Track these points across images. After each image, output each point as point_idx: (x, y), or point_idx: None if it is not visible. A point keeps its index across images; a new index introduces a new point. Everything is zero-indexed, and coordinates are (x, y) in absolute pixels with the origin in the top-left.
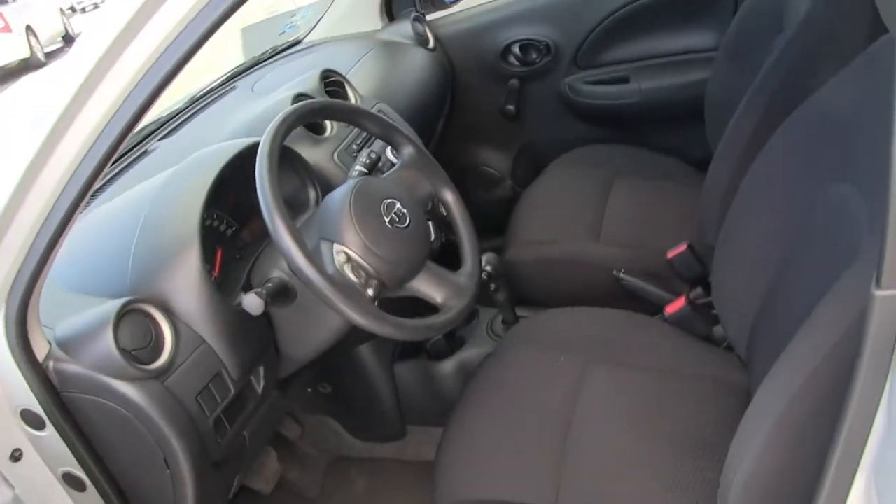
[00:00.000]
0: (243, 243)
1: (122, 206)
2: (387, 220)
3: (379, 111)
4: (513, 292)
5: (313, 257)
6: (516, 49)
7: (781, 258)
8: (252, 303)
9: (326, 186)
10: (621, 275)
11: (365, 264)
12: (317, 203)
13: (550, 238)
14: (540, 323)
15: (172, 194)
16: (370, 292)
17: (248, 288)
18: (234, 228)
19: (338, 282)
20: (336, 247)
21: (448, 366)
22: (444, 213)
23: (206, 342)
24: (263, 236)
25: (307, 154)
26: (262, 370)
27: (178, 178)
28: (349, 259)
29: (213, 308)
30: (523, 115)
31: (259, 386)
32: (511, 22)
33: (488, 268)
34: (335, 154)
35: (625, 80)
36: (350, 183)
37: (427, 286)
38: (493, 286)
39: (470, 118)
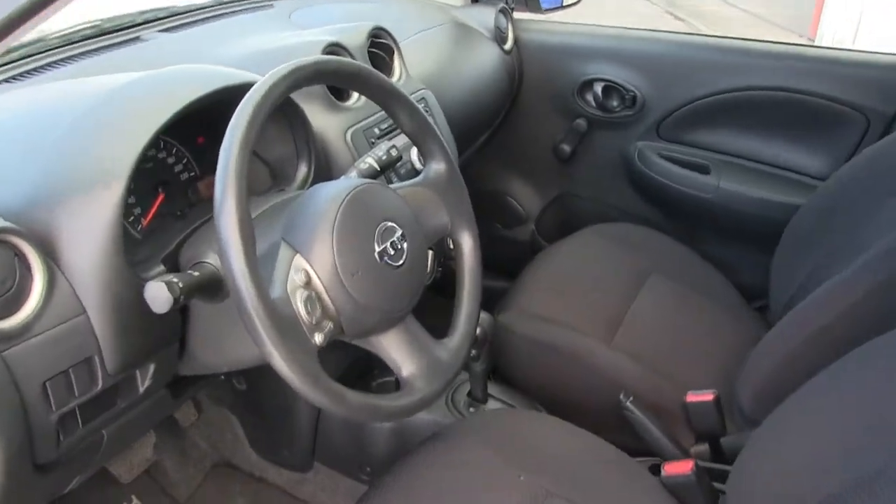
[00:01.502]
0: (196, 198)
1: (61, 96)
2: (378, 248)
3: (421, 100)
4: (491, 362)
5: (255, 263)
6: (598, 88)
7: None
8: (156, 295)
9: (323, 169)
10: (628, 403)
11: (327, 298)
12: (304, 185)
13: (558, 318)
14: (510, 425)
15: (124, 105)
16: (317, 338)
17: (170, 263)
18: (191, 175)
19: (279, 311)
20: (298, 260)
21: None
22: (451, 256)
23: (87, 314)
24: None
25: (317, 119)
26: (152, 367)
27: (142, 86)
28: (308, 283)
29: (114, 272)
30: (575, 162)
31: (142, 385)
32: (604, 56)
33: (477, 330)
34: (350, 132)
35: (704, 170)
36: (349, 182)
37: (397, 349)
38: (473, 352)
39: (517, 143)
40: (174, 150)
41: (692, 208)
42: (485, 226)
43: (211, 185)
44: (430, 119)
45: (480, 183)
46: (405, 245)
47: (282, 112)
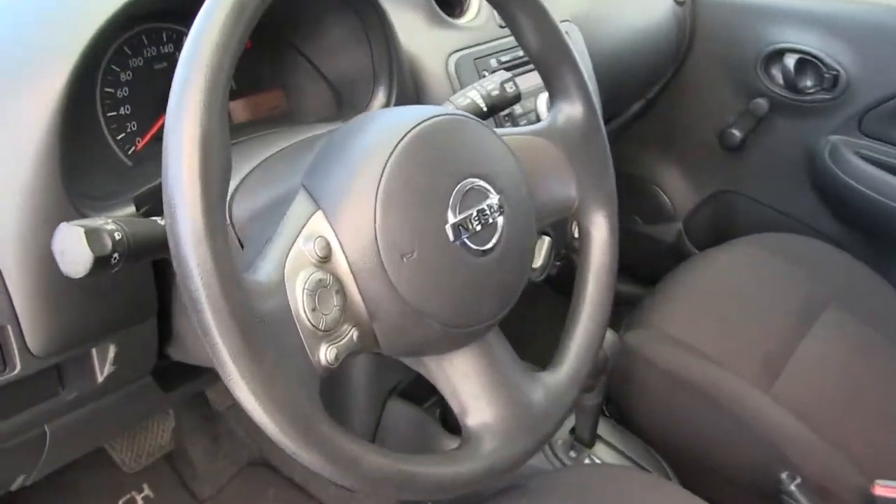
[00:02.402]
0: None
1: None
2: (453, 219)
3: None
4: (608, 393)
5: (219, 218)
6: (790, 61)
7: None
8: (67, 247)
9: (410, 100)
10: (792, 487)
11: (353, 290)
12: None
13: (702, 347)
14: (615, 491)
15: None
16: (325, 354)
17: (149, 205)
18: None
19: (257, 305)
20: (316, 221)
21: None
22: (574, 246)
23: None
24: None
25: (412, 34)
26: (111, 350)
27: None
28: (325, 261)
29: (46, 206)
30: (745, 152)
31: (100, 371)
32: (803, 21)
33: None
34: (455, 57)
35: None
36: (421, 111)
37: (463, 383)
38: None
39: (675, 120)
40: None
41: (894, 228)
42: (621, 217)
43: (251, 106)
44: (569, 43)
45: (621, 165)
46: (500, 220)
47: (356, 14)
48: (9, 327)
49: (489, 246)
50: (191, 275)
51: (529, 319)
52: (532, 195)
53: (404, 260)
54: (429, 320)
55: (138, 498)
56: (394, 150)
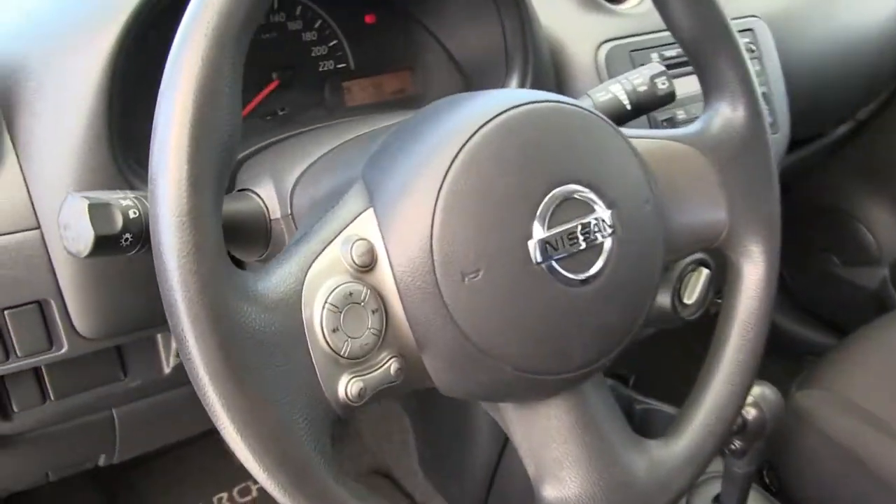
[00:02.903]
0: (335, 101)
1: None
2: (540, 233)
3: (746, 31)
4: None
5: (211, 202)
6: None
7: None
8: (71, 221)
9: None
10: None
11: (399, 312)
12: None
13: (890, 421)
14: None
15: None
16: (348, 388)
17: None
18: (339, 66)
19: (250, 319)
20: (364, 221)
21: None
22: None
23: (41, 230)
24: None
25: (559, 18)
26: None
27: None
28: (366, 271)
29: (95, 173)
30: None
31: (167, 362)
32: None
33: (749, 414)
34: (607, 46)
35: None
36: (514, 95)
37: (544, 443)
38: (737, 444)
39: (888, 147)
40: (318, 24)
41: None
42: (814, 255)
43: (371, 88)
44: (731, 27)
45: (818, 194)
46: (607, 242)
47: None
48: (52, 303)
49: (589, 274)
50: (165, 268)
51: (679, 361)
52: (663, 216)
53: (466, 281)
54: (496, 361)
55: (254, 489)
56: (468, 140)
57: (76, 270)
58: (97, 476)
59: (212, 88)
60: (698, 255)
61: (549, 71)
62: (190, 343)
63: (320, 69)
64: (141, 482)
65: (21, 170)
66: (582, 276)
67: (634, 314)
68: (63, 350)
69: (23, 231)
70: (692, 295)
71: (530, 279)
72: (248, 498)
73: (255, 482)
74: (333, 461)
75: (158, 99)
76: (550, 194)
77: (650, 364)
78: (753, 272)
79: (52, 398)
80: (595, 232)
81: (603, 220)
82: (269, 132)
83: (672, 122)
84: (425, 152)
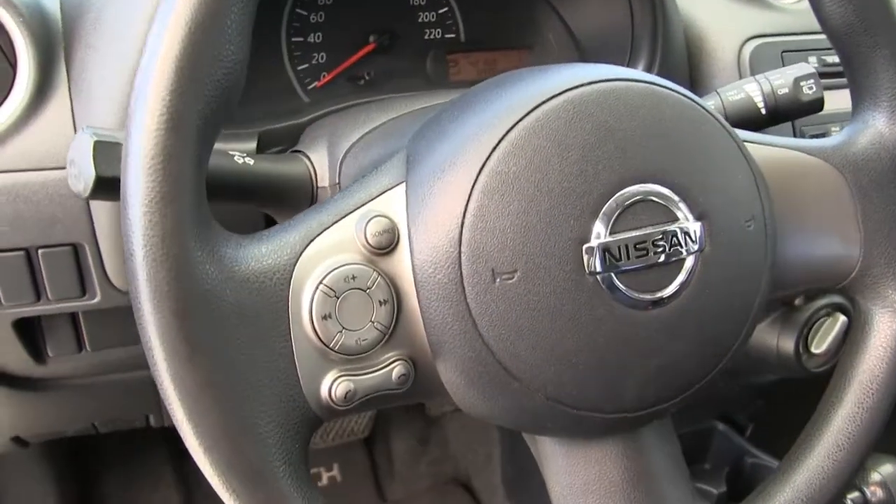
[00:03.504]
0: (438, 72)
1: None
2: (598, 236)
3: None
4: None
5: (187, 145)
6: None
7: None
8: (76, 155)
9: (679, 80)
10: None
11: (414, 309)
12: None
13: None
14: None
15: None
16: (336, 388)
17: (274, 145)
18: (448, 36)
19: (242, 296)
20: (392, 196)
21: None
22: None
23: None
24: None
25: (701, 6)
26: None
27: None
28: (380, 254)
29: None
30: None
31: None
32: None
33: (874, 496)
34: (755, 43)
35: None
36: (600, 70)
37: (584, 488)
38: None
39: None
40: None
41: None
42: None
43: (481, 64)
44: None
45: None
46: (689, 260)
47: None
48: (87, 248)
49: (659, 296)
50: (126, 215)
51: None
52: (773, 241)
53: (497, 281)
54: (524, 385)
55: (325, 475)
56: (524, 116)
57: (112, 217)
58: (169, 438)
59: (213, 10)
60: (836, 299)
61: (682, 63)
62: (142, 302)
63: (425, 37)
64: None
65: (71, 105)
66: (649, 298)
67: (714, 356)
68: (96, 299)
69: (64, 168)
70: (822, 344)
71: (580, 292)
72: (319, 484)
73: (329, 470)
74: (300, 472)
75: (153, 15)
76: (621, 192)
77: (773, 414)
78: (886, 325)
79: (88, 349)
80: (674, 245)
81: (686, 233)
82: (350, 96)
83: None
84: (475, 125)
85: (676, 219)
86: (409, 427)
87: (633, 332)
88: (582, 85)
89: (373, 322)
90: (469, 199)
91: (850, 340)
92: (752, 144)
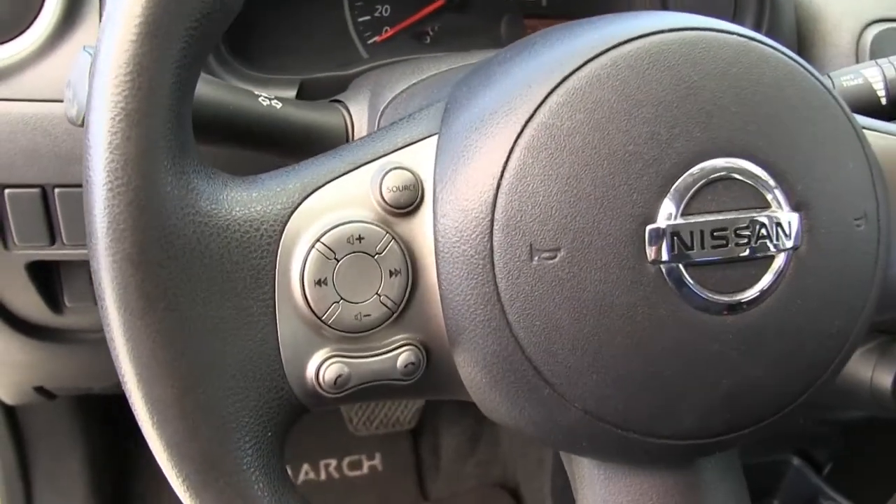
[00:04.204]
0: (506, 34)
1: None
2: (665, 217)
3: None
4: None
5: (162, 59)
6: None
7: None
8: (77, 80)
9: None
10: None
11: (433, 285)
12: None
13: None
14: None
15: None
16: (325, 370)
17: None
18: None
19: (218, 245)
20: (421, 148)
21: None
22: None
23: None
24: None
25: None
26: None
27: None
28: (399, 213)
29: None
30: None
31: None
32: None
33: None
34: (878, 28)
35: None
36: (680, 18)
37: None
38: None
39: None
40: None
41: None
42: None
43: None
44: None
45: None
46: (780, 258)
47: None
48: None
49: (739, 298)
50: (87, 134)
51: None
52: (889, 249)
53: (535, 260)
54: (557, 393)
55: (366, 464)
56: (584, 63)
57: None
58: None
59: None
60: None
61: (791, 44)
62: (96, 240)
63: None
64: None
65: None
66: (725, 300)
67: (799, 383)
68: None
69: None
70: None
71: (638, 284)
72: (358, 472)
73: (371, 458)
74: (271, 466)
75: None
76: (701, 165)
77: (857, 454)
78: None
79: None
80: (761, 238)
81: (779, 224)
82: (412, 54)
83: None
84: (528, 70)
85: (768, 206)
86: (459, 422)
87: (702, 341)
88: (663, 31)
89: (379, 295)
90: (510, 155)
91: None
92: (871, 132)
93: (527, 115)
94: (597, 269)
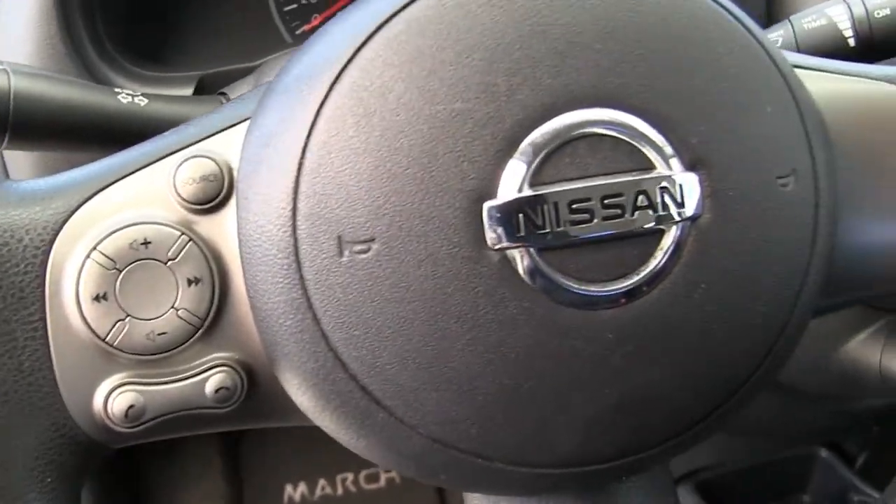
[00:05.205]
0: None
1: None
2: (517, 189)
3: None
4: None
5: None
6: None
7: None
8: None
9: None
10: None
11: (241, 293)
12: None
13: None
14: None
15: None
16: (115, 400)
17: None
18: None
19: None
20: (231, 135)
21: None
22: None
23: None
24: None
25: None
26: None
27: None
28: (200, 209)
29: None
30: None
31: None
32: None
33: None
34: None
35: None
36: None
37: None
38: None
39: None
40: None
41: None
42: None
43: None
44: None
45: None
46: (672, 232)
47: None
48: None
49: (616, 288)
50: None
51: None
52: (833, 213)
53: (345, 255)
54: (390, 414)
55: (383, 477)
56: (402, 8)
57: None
58: (226, 433)
59: None
60: None
61: None
62: None
63: None
64: (269, 448)
65: None
66: (597, 291)
67: (718, 383)
68: None
69: None
70: None
71: (477, 278)
72: (375, 486)
73: (388, 470)
74: None
75: None
76: (553, 121)
77: (892, 443)
78: None
79: None
80: (641, 207)
81: (667, 189)
82: None
83: None
84: (342, 27)
85: (651, 166)
86: None
87: (570, 343)
88: None
89: (176, 309)
90: (313, 127)
91: None
92: (806, 70)
93: (332, 77)
94: (422, 262)
